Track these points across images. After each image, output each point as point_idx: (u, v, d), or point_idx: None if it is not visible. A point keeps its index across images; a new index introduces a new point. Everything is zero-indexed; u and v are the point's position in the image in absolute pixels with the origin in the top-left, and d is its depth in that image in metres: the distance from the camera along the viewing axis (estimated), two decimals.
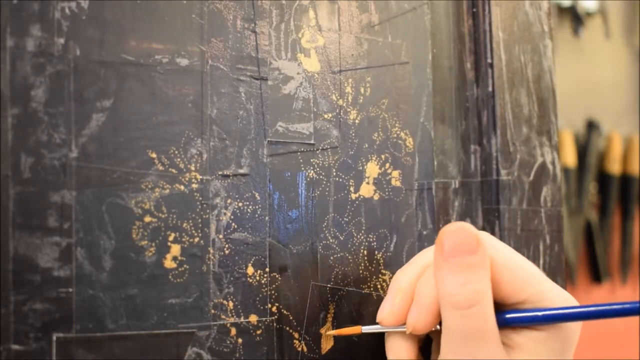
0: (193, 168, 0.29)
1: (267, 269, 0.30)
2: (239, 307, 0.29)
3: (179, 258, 0.28)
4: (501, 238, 0.35)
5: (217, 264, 0.29)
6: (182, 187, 0.28)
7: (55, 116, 0.26)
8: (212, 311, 0.29)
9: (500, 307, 0.28)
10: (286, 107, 0.31)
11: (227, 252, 0.29)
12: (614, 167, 1.16)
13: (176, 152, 0.28)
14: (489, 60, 0.36)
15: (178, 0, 0.29)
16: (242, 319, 0.29)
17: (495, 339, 0.26)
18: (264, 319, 0.30)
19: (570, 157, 1.10)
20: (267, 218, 0.30)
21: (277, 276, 0.30)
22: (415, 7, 0.35)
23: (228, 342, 0.29)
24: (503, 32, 0.36)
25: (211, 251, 0.29)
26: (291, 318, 0.30)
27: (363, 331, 0.30)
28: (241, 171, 0.30)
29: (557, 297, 0.28)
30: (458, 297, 0.26)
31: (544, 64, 0.38)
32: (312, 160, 0.32)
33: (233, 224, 0.29)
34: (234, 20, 0.30)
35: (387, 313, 0.29)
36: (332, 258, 0.32)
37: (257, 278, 0.30)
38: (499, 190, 0.35)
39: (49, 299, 0.26)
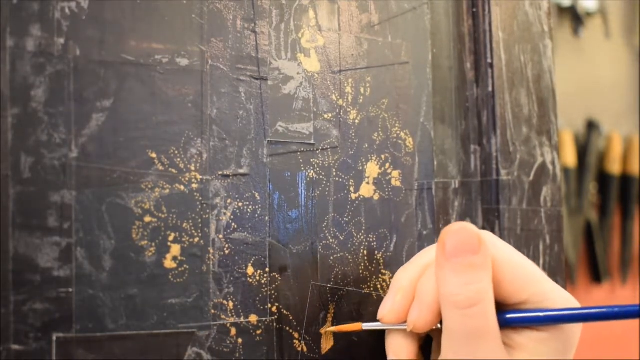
0: (193, 168, 0.29)
1: (267, 269, 0.30)
2: (239, 307, 0.29)
3: (179, 258, 0.28)
4: (501, 238, 0.34)
5: (217, 264, 0.29)
6: (182, 187, 0.28)
7: (55, 116, 0.26)
8: (212, 311, 0.29)
9: (502, 307, 0.28)
10: (286, 107, 0.31)
11: (227, 252, 0.29)
12: (614, 167, 1.16)
13: (176, 152, 0.28)
14: (489, 60, 0.36)
15: (178, 0, 0.29)
16: (242, 319, 0.29)
17: (496, 339, 0.26)
18: (264, 319, 0.30)
19: (570, 157, 1.10)
20: (267, 218, 0.30)
21: (277, 276, 0.30)
22: (415, 7, 0.35)
23: (228, 342, 0.29)
24: (503, 32, 0.36)
25: (211, 251, 0.29)
26: (291, 318, 0.30)
27: (363, 328, 0.30)
28: (241, 171, 0.30)
29: (559, 297, 0.28)
30: (459, 297, 0.26)
31: (544, 64, 0.38)
32: (312, 160, 0.32)
33: (233, 224, 0.29)
34: (234, 20, 0.30)
35: (387, 311, 0.29)
36: (332, 258, 0.32)
37: (257, 278, 0.30)
38: (499, 190, 0.35)
39: (49, 299, 0.26)
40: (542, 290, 0.27)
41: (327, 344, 0.31)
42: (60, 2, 0.27)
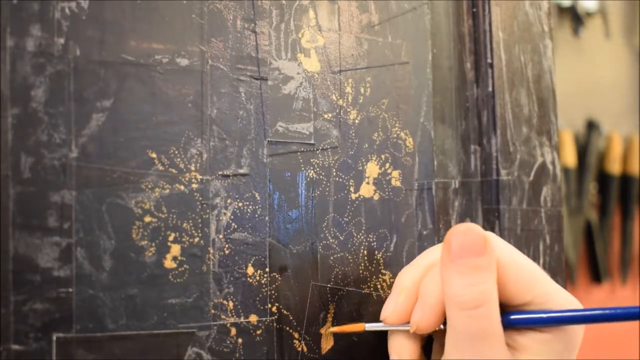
0: (193, 168, 0.29)
1: (267, 269, 0.30)
2: (239, 307, 0.29)
3: (179, 258, 0.28)
4: (501, 238, 0.34)
5: (217, 264, 0.29)
6: (182, 187, 0.28)
7: (55, 116, 0.26)
8: (212, 311, 0.29)
9: (505, 308, 0.28)
10: (286, 107, 0.31)
11: (227, 252, 0.29)
12: (614, 167, 1.16)
13: (176, 152, 0.28)
14: (489, 60, 0.36)
15: (178, 0, 0.29)
16: (242, 319, 0.29)
17: (500, 340, 0.26)
18: (264, 319, 0.30)
19: (570, 157, 1.10)
20: (267, 218, 0.30)
21: (277, 276, 0.30)
22: (415, 7, 0.35)
23: (228, 342, 0.29)
24: (503, 32, 0.36)
25: (211, 251, 0.29)
26: (291, 318, 0.30)
27: (366, 329, 0.30)
28: (241, 171, 0.30)
29: (562, 299, 0.28)
30: (464, 298, 0.26)
31: (544, 64, 0.38)
32: (312, 160, 0.32)
33: (233, 224, 0.29)
34: (234, 20, 0.30)
35: (390, 311, 0.29)
36: (332, 258, 0.32)
37: (257, 278, 0.30)
38: (499, 190, 0.35)
39: (49, 299, 0.26)
40: (545, 291, 0.28)
41: (327, 344, 0.31)
42: (60, 2, 0.27)
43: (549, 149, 0.37)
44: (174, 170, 0.28)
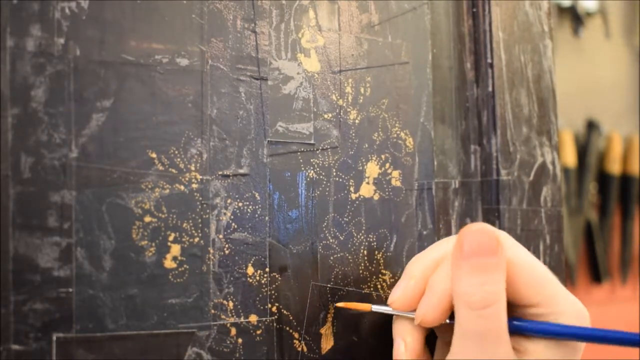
0: (193, 168, 0.29)
1: (267, 269, 0.30)
2: (239, 307, 0.29)
3: (179, 258, 0.28)
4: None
5: (217, 264, 0.29)
6: (182, 187, 0.28)
7: (55, 116, 0.26)
8: (212, 311, 0.29)
9: (513, 308, 0.28)
10: (286, 107, 0.31)
11: (227, 252, 0.29)
12: (614, 167, 1.16)
13: (176, 152, 0.28)
14: (489, 60, 0.36)
15: (178, 0, 0.29)
16: (242, 319, 0.29)
17: (506, 341, 0.26)
18: (264, 319, 0.30)
19: (570, 157, 1.10)
20: (267, 218, 0.30)
21: (277, 276, 0.30)
22: (415, 7, 0.35)
23: (228, 342, 0.29)
24: (503, 32, 0.36)
25: (211, 251, 0.29)
26: (291, 318, 0.30)
27: (373, 309, 0.30)
28: (241, 171, 0.30)
29: (571, 307, 0.28)
30: (474, 297, 0.26)
31: (544, 64, 0.38)
32: (312, 160, 0.32)
33: (233, 224, 0.29)
34: (234, 20, 0.30)
35: (397, 296, 0.29)
36: (332, 258, 0.32)
37: (257, 278, 0.30)
38: (499, 190, 0.35)
39: (49, 299, 0.26)
40: (554, 295, 0.28)
41: (327, 344, 0.31)
42: (60, 2, 0.27)
43: (549, 149, 0.37)
44: (174, 170, 0.28)
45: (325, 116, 0.32)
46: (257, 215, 0.30)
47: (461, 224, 0.35)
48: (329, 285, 0.31)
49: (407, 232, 0.34)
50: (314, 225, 0.31)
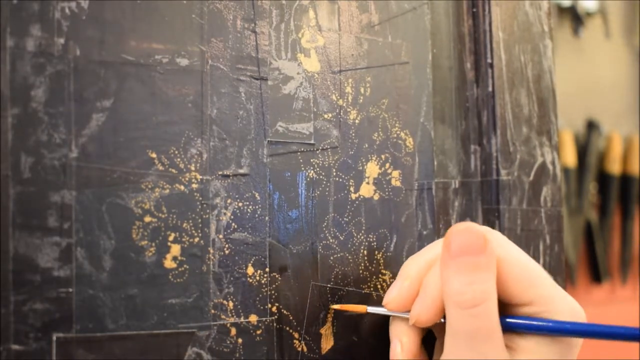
0: (193, 168, 0.29)
1: (267, 269, 0.30)
2: (239, 307, 0.29)
3: (179, 258, 0.28)
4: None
5: (217, 264, 0.29)
6: (182, 187, 0.28)
7: (55, 116, 0.26)
8: (212, 311, 0.29)
9: (505, 307, 0.28)
10: (286, 107, 0.31)
11: (227, 252, 0.29)
12: (614, 167, 1.16)
13: (176, 152, 0.28)
14: (489, 60, 0.36)
15: (178, 0, 0.29)
16: (242, 319, 0.29)
17: (498, 339, 0.26)
18: (264, 319, 0.30)
19: (570, 157, 1.10)
20: (267, 218, 0.30)
21: (277, 276, 0.30)
22: (415, 7, 0.35)
23: (228, 342, 0.29)
24: (503, 32, 0.36)
25: (211, 251, 0.29)
26: (291, 318, 0.30)
27: (368, 311, 0.30)
28: (241, 171, 0.30)
29: (564, 303, 0.28)
30: (463, 297, 0.26)
31: (544, 64, 0.38)
32: (312, 160, 0.32)
33: (233, 224, 0.29)
34: (234, 20, 0.30)
35: (392, 297, 0.29)
36: (332, 258, 0.32)
37: (257, 278, 0.30)
38: (499, 190, 0.35)
39: (49, 299, 0.26)
40: (547, 293, 0.27)
41: (327, 344, 0.31)
42: (60, 2, 0.27)
43: (549, 149, 0.37)
44: (174, 170, 0.28)
45: (325, 116, 0.32)
46: (257, 215, 0.30)
47: None
48: (329, 285, 0.31)
49: (407, 232, 0.34)
50: (314, 225, 0.31)
